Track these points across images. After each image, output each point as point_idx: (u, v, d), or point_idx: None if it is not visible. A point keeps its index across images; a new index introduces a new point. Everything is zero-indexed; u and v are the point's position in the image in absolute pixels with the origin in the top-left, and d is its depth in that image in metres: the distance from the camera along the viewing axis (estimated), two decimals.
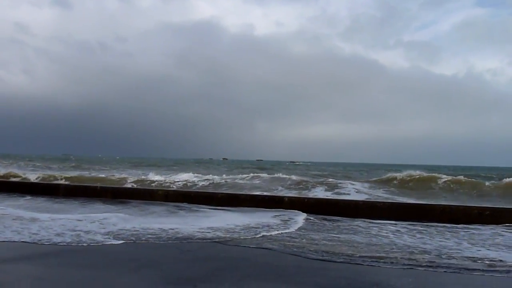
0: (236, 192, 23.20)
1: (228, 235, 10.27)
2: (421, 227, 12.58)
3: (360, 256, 8.17)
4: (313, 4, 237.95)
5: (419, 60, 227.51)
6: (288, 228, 11.56)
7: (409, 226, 12.59)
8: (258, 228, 11.54)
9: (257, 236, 10.34)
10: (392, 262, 7.72)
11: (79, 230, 10.18)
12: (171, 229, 10.85)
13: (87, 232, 10.10)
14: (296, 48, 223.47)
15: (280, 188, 26.21)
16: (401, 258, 8.10)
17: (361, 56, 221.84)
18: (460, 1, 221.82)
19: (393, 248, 9.16)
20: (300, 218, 13.69)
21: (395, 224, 13.00)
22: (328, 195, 23.77)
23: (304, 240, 9.91)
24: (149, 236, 9.90)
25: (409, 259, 8.03)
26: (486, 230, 12.10)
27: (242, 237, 10.08)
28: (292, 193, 23.76)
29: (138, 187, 24.47)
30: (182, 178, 30.45)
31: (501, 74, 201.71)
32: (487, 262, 7.93)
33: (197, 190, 24.36)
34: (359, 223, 13.13)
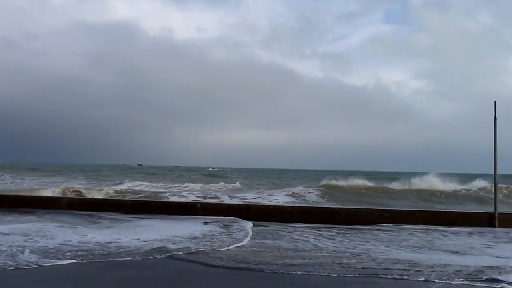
0: (147, 199, 22.36)
1: (193, 246, 9.65)
2: (336, 230, 13.16)
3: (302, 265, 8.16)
4: (234, 11, 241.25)
5: (333, 71, 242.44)
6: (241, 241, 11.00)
7: (326, 230, 13.08)
8: (214, 237, 11.13)
9: (231, 247, 9.85)
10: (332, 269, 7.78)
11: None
12: (107, 242, 9.75)
13: (20, 248, 8.72)
14: (216, 54, 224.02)
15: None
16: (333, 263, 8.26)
17: (279, 64, 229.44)
18: (369, 17, 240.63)
19: (320, 254, 9.34)
20: (247, 226, 13.38)
21: (315, 227, 13.48)
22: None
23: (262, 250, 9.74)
24: (100, 252, 8.75)
25: (339, 263, 8.21)
26: (394, 232, 13.01)
27: (216, 249, 9.54)
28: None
29: (40, 195, 22.28)
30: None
31: (405, 86, 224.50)
32: (406, 264, 8.42)
33: (105, 198, 23.01)
34: (278, 227, 13.40)
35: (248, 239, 11.01)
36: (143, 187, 31.30)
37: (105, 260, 8.08)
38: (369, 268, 7.90)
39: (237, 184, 37.95)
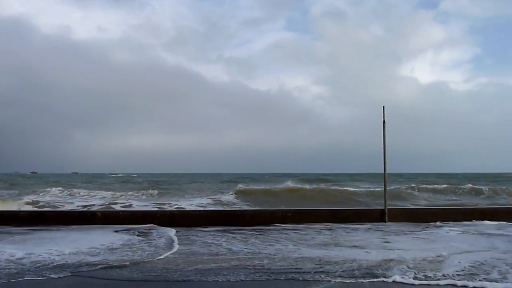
0: (42, 209, 20.72)
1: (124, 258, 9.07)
2: (245, 231, 13.43)
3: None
4: (138, 12, 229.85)
5: (238, 75, 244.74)
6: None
7: (237, 233, 13.30)
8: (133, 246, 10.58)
9: (161, 256, 9.37)
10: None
11: None
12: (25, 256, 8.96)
13: None
14: (119, 56, 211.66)
15: None
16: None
17: (184, 68, 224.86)
18: (272, 24, 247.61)
19: (234, 257, 9.48)
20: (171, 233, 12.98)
21: (224, 230, 13.67)
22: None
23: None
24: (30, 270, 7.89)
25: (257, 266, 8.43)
26: (301, 231, 13.68)
27: (145, 260, 9.00)
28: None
29: None
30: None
31: (306, 91, 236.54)
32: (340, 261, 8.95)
33: None
34: (191, 231, 13.31)
35: (174, 247, 10.79)
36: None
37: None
38: (282, 268, 8.23)
39: (151, 191, 36.51)
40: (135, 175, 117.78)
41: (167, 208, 21.79)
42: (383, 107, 16.35)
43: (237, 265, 8.42)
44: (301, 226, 14.72)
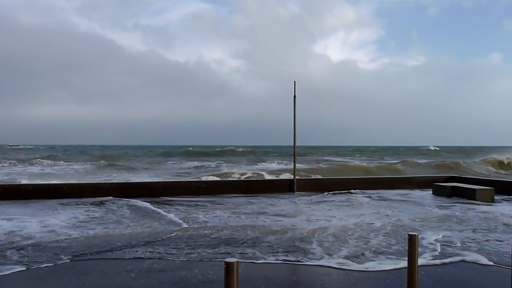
0: None
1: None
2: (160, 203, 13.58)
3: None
4: None
5: (156, 45, 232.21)
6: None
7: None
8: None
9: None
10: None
11: None
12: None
13: None
14: (24, 18, 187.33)
15: None
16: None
17: (98, 34, 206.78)
18: None
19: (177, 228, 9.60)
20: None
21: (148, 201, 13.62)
22: None
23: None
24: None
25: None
26: (219, 202, 14.10)
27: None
28: None
29: None
30: None
31: (224, 64, 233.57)
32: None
33: None
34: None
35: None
36: None
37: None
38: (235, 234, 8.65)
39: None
40: (42, 147, 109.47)
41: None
42: (294, 82, 17.15)
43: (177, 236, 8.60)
44: (217, 197, 15.13)
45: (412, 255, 3.57)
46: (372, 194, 16.45)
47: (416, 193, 16.74)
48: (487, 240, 8.23)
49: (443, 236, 8.59)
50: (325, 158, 56.45)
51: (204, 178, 22.10)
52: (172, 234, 8.66)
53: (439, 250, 7.41)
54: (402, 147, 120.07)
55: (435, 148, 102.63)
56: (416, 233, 3.65)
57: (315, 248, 7.43)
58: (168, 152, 67.43)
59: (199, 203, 13.53)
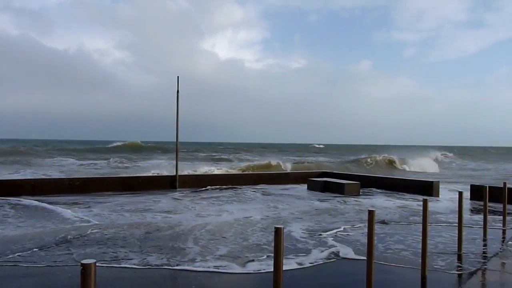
0: None
1: None
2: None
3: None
4: None
5: (30, 30, 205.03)
6: None
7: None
8: None
9: None
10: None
11: None
12: None
13: None
14: None
15: None
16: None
17: None
18: None
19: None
20: None
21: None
22: None
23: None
24: None
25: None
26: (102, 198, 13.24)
27: None
28: None
29: None
30: None
31: (107, 55, 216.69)
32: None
33: None
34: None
35: None
36: None
37: None
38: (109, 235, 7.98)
39: None
40: None
41: None
42: (178, 77, 16.85)
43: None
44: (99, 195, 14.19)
45: (277, 248, 3.67)
46: (257, 189, 16.94)
47: (294, 188, 17.71)
48: (355, 230, 8.99)
49: (311, 227, 9.17)
50: (213, 154, 56.81)
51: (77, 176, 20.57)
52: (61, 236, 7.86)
53: (313, 242, 7.86)
54: (287, 145, 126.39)
55: (319, 145, 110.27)
56: (281, 226, 3.75)
57: (192, 248, 7.28)
58: (44, 147, 61.59)
59: (79, 202, 12.63)
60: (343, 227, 9.35)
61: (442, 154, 56.02)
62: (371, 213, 4.67)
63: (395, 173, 31.11)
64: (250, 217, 10.43)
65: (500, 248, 7.52)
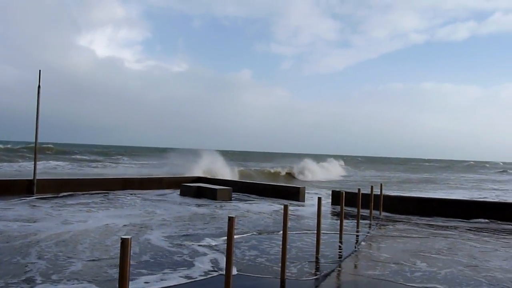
0: None
1: None
2: None
3: None
4: None
5: None
6: None
7: None
8: None
9: None
10: None
11: None
12: None
13: None
14: None
15: None
16: None
17: None
18: None
19: None
20: None
21: None
22: None
23: None
24: None
25: None
26: None
27: None
28: None
29: None
30: None
31: None
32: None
33: None
34: None
35: None
36: None
37: None
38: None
39: None
40: None
41: None
42: (39, 71, 15.20)
43: None
44: None
45: (124, 260, 3.31)
46: (127, 193, 16.06)
47: (169, 193, 17.20)
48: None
49: (180, 233, 8.86)
50: (85, 157, 52.81)
51: None
52: None
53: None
54: (169, 149, 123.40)
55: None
56: (129, 237, 3.40)
57: (34, 263, 6.40)
58: None
59: None
60: (213, 238, 9.23)
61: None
62: (231, 220, 4.56)
63: (275, 180, 32.33)
64: (116, 224, 9.71)
65: (354, 250, 8.10)
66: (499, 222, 12.26)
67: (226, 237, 4.82)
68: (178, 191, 17.46)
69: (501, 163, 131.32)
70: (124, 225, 9.68)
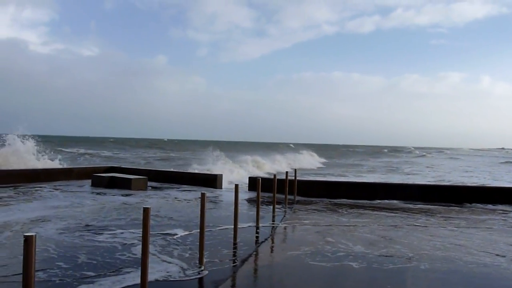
0: None
1: None
2: None
3: None
4: None
5: None
6: None
7: None
8: None
9: None
10: None
11: None
12: None
13: None
14: None
15: None
16: None
17: None
18: None
19: None
20: None
21: None
22: None
23: None
24: None
25: None
26: None
27: None
28: None
29: None
30: None
31: None
32: None
33: None
34: None
35: None
36: None
37: None
38: None
39: None
40: None
41: None
42: None
43: None
44: None
45: (28, 259, 3.06)
46: (38, 187, 14.81)
47: (77, 184, 16.25)
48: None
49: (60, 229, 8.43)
50: None
51: None
52: None
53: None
54: (80, 138, 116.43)
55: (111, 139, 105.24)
56: (33, 234, 3.13)
57: None
58: None
59: None
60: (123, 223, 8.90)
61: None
62: (146, 211, 4.43)
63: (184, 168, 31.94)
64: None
65: (269, 235, 8.34)
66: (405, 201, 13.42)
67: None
68: (89, 182, 16.57)
69: (412, 148, 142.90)
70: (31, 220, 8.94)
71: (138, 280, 4.66)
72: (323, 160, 55.62)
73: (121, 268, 5.75)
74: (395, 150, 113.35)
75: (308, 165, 45.46)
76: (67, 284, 5.09)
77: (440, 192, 14.26)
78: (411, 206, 12.69)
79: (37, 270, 5.29)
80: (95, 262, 6.03)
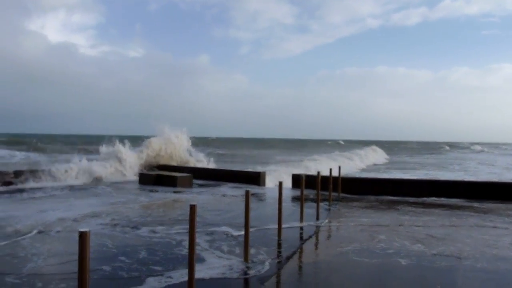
0: None
1: None
2: None
3: None
4: None
5: None
6: None
7: None
8: None
9: None
10: None
11: None
12: None
13: None
14: None
15: None
16: None
17: None
18: None
19: None
20: None
21: None
22: None
23: None
24: None
25: None
26: None
27: None
28: None
29: None
30: None
31: None
32: None
33: None
34: None
35: None
36: None
37: None
38: None
39: None
40: None
41: None
42: None
43: None
44: None
45: (82, 254, 3.19)
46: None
47: (124, 181, 16.82)
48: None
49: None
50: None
51: None
52: None
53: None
54: (124, 137, 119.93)
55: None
56: (87, 230, 3.27)
57: None
58: None
59: None
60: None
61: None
62: (192, 208, 4.51)
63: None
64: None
65: (314, 232, 8.28)
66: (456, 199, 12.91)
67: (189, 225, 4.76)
68: (135, 180, 17.11)
69: (467, 143, 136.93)
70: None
71: (201, 275, 5.03)
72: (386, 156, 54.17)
73: (183, 261, 5.80)
74: (453, 146, 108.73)
75: (375, 161, 44.76)
76: (135, 278, 5.29)
77: (495, 189, 13.54)
78: (464, 204, 12.20)
79: (103, 265, 5.61)
80: (157, 257, 6.20)
